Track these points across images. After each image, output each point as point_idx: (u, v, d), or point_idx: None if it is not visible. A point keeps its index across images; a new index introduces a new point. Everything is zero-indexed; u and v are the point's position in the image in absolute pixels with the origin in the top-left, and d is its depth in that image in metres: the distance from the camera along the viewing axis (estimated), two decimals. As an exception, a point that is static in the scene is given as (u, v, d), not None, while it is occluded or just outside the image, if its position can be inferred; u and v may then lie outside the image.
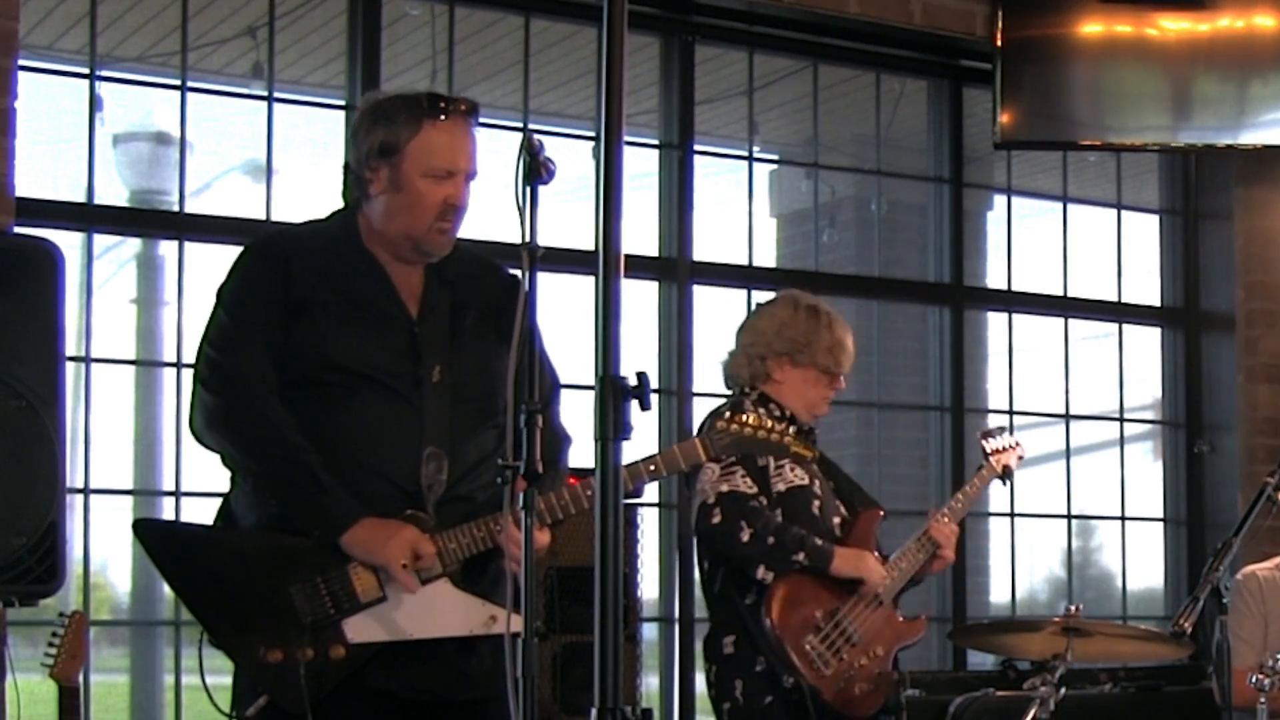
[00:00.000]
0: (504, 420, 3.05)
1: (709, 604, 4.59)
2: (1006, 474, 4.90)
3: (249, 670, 3.31)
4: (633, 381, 2.27)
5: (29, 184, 5.19)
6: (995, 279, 7.30)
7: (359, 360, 3.39)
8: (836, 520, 4.54)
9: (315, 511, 3.32)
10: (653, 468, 3.44)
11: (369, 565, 3.31)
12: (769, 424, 3.53)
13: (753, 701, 4.42)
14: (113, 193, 6.32)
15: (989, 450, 4.89)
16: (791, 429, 3.65)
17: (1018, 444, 4.97)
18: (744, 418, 3.54)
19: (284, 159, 5.86)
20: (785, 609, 4.37)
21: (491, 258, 3.69)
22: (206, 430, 3.44)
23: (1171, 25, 6.62)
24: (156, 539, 3.42)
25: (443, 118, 3.45)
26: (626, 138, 2.27)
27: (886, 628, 4.50)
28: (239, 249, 3.58)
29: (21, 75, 5.04)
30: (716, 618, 4.55)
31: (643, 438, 3.28)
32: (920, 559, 4.59)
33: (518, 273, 3.42)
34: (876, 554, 4.55)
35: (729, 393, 4.73)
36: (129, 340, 7.27)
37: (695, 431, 4.61)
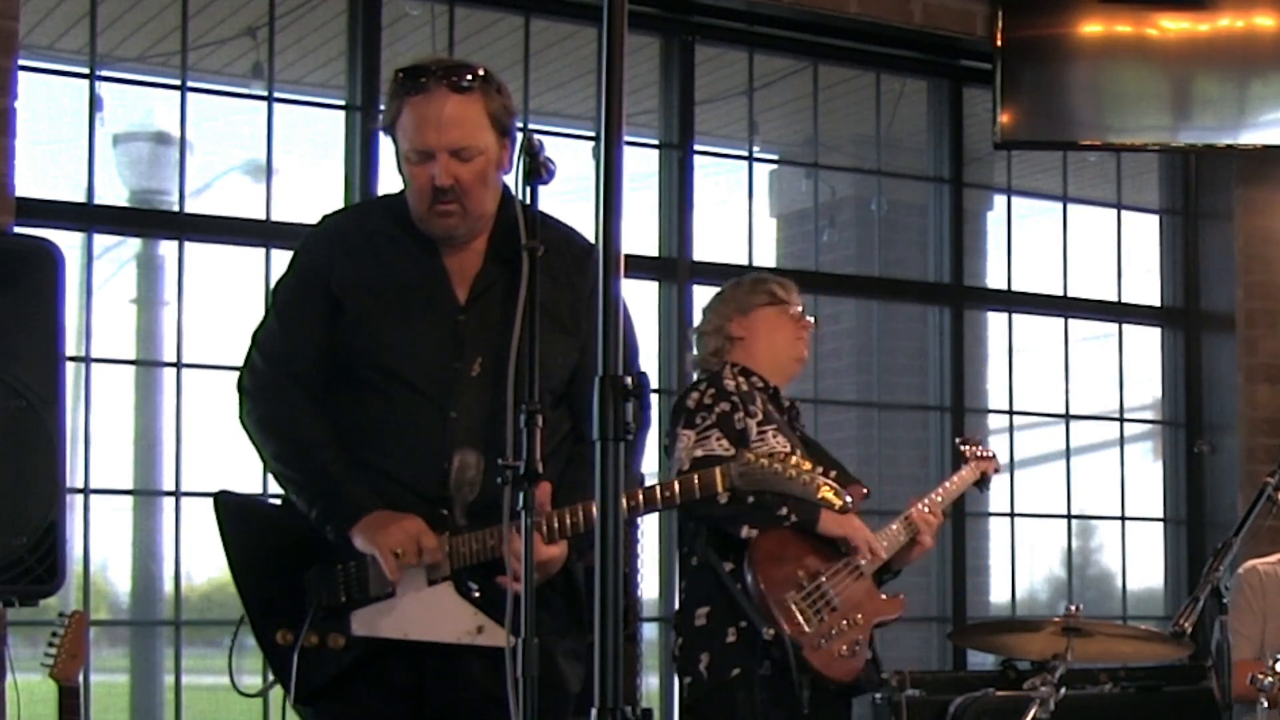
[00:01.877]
0: (543, 413, 2.92)
1: (686, 582, 4.55)
2: (983, 483, 4.95)
3: (263, 650, 3.31)
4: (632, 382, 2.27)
5: (29, 184, 5.20)
6: (995, 279, 7.31)
7: (390, 359, 3.29)
8: None
9: (325, 509, 3.30)
10: (668, 494, 3.29)
11: (368, 554, 3.26)
12: (801, 463, 3.34)
13: (718, 675, 4.35)
14: (113, 193, 6.32)
15: (968, 456, 4.94)
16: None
17: (994, 455, 5.00)
18: (779, 455, 3.37)
19: (284, 159, 5.86)
20: (769, 563, 4.32)
21: (569, 226, 3.40)
22: (244, 426, 3.43)
23: (1171, 25, 6.62)
24: (229, 510, 3.40)
25: (416, 94, 3.26)
26: (626, 138, 2.27)
27: (867, 600, 4.47)
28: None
29: (21, 75, 5.04)
30: (692, 591, 4.49)
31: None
32: (900, 541, 4.58)
33: (592, 242, 3.30)
34: None
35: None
36: (129, 340, 7.26)
37: (674, 406, 4.57)
